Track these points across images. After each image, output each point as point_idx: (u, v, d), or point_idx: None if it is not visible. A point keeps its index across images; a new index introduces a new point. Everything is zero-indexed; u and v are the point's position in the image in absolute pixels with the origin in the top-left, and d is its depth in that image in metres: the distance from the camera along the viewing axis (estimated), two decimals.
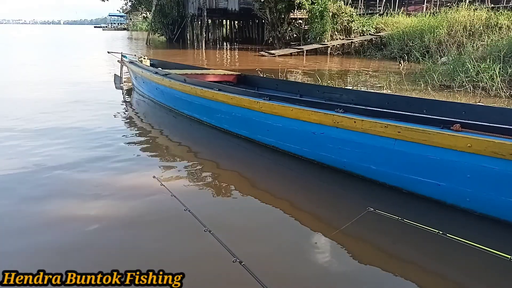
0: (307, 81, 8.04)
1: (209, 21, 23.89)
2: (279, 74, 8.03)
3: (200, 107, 3.99)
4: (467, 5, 12.11)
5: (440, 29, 11.21)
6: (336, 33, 15.50)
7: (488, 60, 6.47)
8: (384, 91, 6.23)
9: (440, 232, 1.72)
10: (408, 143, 2.23)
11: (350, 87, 7.16)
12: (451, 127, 2.08)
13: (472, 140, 1.97)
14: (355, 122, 2.46)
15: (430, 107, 3.02)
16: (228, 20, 27.54)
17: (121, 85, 6.40)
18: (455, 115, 2.65)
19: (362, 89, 6.62)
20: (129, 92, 6.22)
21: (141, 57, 6.52)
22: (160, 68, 5.40)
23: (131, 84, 6.59)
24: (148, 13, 30.77)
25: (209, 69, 5.91)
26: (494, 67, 6.16)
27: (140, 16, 45.97)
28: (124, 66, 6.53)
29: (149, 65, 6.07)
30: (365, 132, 2.42)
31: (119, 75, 6.58)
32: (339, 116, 2.56)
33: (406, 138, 2.23)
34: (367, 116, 2.44)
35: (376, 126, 2.36)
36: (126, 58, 6.52)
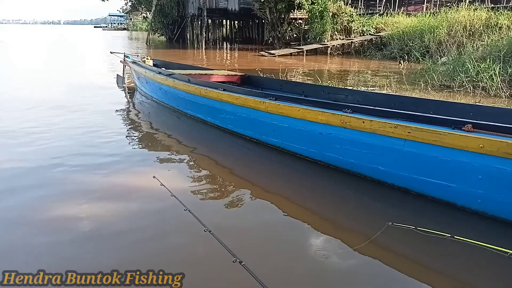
0: (308, 81, 8.02)
1: (209, 21, 23.82)
2: (279, 74, 8.00)
3: (204, 107, 3.96)
4: (467, 5, 12.13)
5: (440, 29, 11.23)
6: (336, 33, 15.51)
7: (488, 60, 6.45)
8: (385, 91, 6.22)
9: (448, 235, 1.70)
10: (418, 144, 2.21)
11: (351, 87, 7.15)
12: (463, 127, 2.06)
13: (484, 140, 1.95)
14: (363, 122, 2.44)
15: (437, 108, 2.99)
16: (228, 20, 27.47)
17: (124, 85, 6.37)
18: (463, 116, 2.62)
19: (363, 89, 6.60)
20: (131, 92, 6.19)
21: (144, 57, 6.48)
22: (163, 68, 5.37)
23: (133, 84, 6.56)
24: (148, 13, 30.72)
25: (213, 69, 5.87)
26: (494, 67, 6.15)
27: (140, 16, 45.95)
28: (126, 66, 6.49)
29: (152, 65, 6.03)
30: (374, 132, 2.40)
31: (122, 75, 6.55)
32: (347, 116, 2.53)
33: (416, 139, 2.20)
34: (376, 116, 2.42)
35: (385, 126, 2.33)
36: (129, 58, 6.49)
